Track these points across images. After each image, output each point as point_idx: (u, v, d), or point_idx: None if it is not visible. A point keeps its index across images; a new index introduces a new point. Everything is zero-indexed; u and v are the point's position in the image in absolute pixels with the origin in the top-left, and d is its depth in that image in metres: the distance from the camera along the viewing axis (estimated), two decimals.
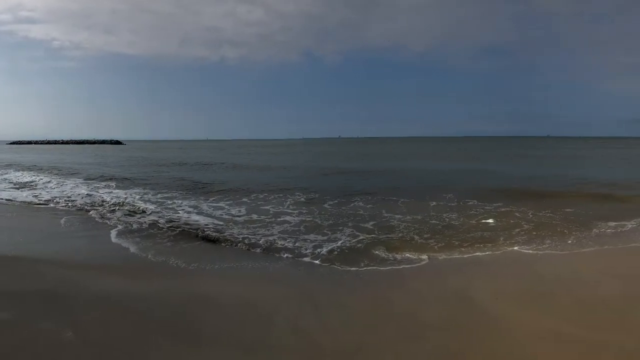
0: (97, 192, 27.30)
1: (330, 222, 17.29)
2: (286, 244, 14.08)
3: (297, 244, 14.06)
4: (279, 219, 17.99)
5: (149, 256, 12.86)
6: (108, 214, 19.31)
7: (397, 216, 18.06)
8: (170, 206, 21.58)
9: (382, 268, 11.58)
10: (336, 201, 22.17)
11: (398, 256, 12.50)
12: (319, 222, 17.34)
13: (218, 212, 19.73)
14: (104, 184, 32.44)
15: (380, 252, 12.89)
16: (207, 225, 16.99)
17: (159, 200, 23.72)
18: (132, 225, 16.94)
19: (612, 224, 15.98)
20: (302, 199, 23.12)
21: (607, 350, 6.97)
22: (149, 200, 23.45)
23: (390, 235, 14.96)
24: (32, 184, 32.79)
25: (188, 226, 16.76)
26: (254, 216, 18.71)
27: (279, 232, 15.76)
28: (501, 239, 14.26)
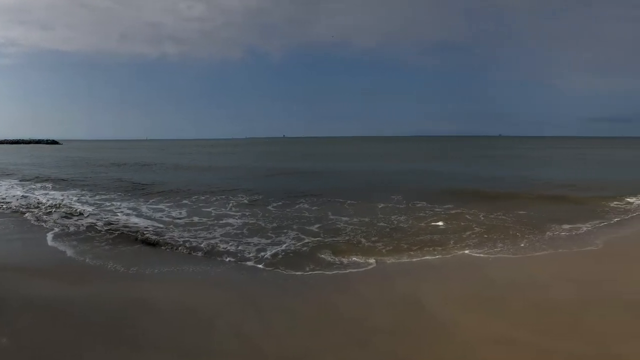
0: (33, 193, 26.83)
1: (275, 224, 17.24)
2: (228, 248, 13.99)
3: (239, 248, 13.97)
4: (221, 222, 17.86)
5: (87, 260, 12.67)
6: (44, 217, 18.98)
7: (343, 218, 18.09)
8: (109, 208, 21.30)
9: (328, 272, 11.55)
10: (280, 203, 22.14)
11: (345, 260, 12.48)
12: (263, 224, 17.27)
13: (158, 215, 19.53)
14: (40, 185, 31.82)
15: (326, 256, 12.87)
16: (146, 228, 16.80)
17: (97, 202, 23.37)
18: (69, 228, 16.67)
19: (567, 226, 16.19)
20: (245, 201, 23.03)
21: (558, 356, 7.06)
22: (86, 202, 23.11)
23: (336, 239, 14.97)
24: None
25: (127, 229, 16.55)
26: (195, 218, 18.56)
27: (221, 235, 15.65)
28: (451, 242, 14.34)
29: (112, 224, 17.45)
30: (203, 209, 20.77)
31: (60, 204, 22.06)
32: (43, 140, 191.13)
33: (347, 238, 15.04)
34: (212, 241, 14.79)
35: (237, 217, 18.72)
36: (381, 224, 17.10)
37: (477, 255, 12.92)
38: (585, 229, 15.93)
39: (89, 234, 15.94)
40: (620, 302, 8.96)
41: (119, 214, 19.83)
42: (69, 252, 13.49)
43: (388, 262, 12.42)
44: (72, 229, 16.62)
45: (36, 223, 17.76)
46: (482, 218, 17.86)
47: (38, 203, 22.63)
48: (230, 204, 21.98)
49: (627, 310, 8.55)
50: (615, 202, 21.42)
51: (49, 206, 21.49)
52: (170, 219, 18.54)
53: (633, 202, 21.46)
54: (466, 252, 13.24)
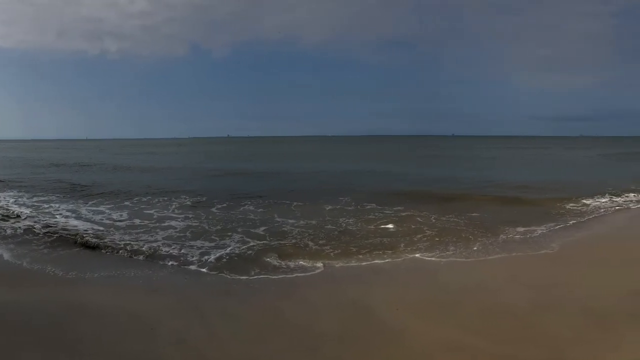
0: None
1: (219, 227, 17.18)
2: (171, 251, 13.90)
3: (182, 251, 13.90)
4: (163, 224, 17.75)
5: (24, 264, 12.49)
6: None
7: (290, 221, 18.11)
8: (47, 210, 20.97)
9: (273, 276, 11.56)
10: (225, 205, 22.06)
11: (291, 264, 12.50)
12: (207, 227, 17.19)
13: (98, 217, 19.28)
14: None
15: (272, 260, 12.87)
16: (86, 230, 16.56)
17: (35, 204, 22.98)
18: (5, 231, 16.37)
19: (521, 229, 16.34)
20: (188, 203, 22.91)
21: None
22: (23, 204, 22.72)
23: (282, 242, 14.98)
24: None
25: (66, 232, 16.27)
26: (137, 221, 18.38)
27: (163, 238, 15.56)
28: (402, 245, 14.40)
29: (51, 226, 17.17)
30: (145, 211, 20.62)
31: None
32: None
33: (293, 241, 15.06)
34: (154, 244, 14.67)
35: (179, 220, 18.63)
36: (329, 226, 17.17)
37: (429, 258, 13.00)
38: (540, 231, 16.07)
39: (27, 237, 15.70)
40: (575, 307, 9.06)
41: (57, 216, 19.55)
42: (6, 256, 13.27)
43: (336, 266, 12.46)
44: (8, 232, 16.34)
45: None
46: (434, 220, 17.98)
47: None
48: (173, 206, 21.86)
49: (581, 315, 8.64)
50: (571, 204, 21.70)
51: None
52: (111, 222, 18.34)
53: (589, 204, 21.76)
54: (417, 255, 13.31)
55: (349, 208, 21.02)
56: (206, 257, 13.29)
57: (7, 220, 18.29)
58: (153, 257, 13.42)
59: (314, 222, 17.86)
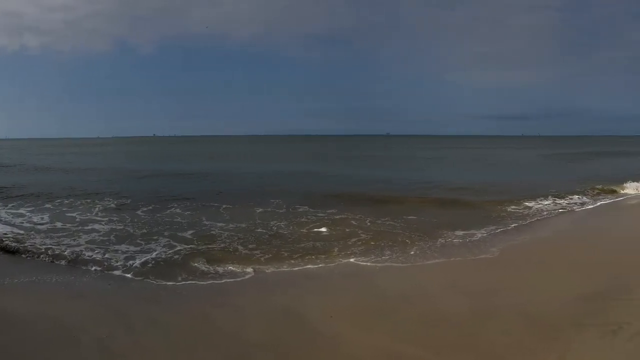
0: None
1: (144, 230, 17.05)
2: (94, 256, 13.70)
3: (106, 256, 13.72)
4: (86, 228, 17.47)
5: None
6: None
7: (219, 224, 18.03)
8: None
9: (202, 282, 11.50)
10: (151, 207, 21.85)
11: (220, 269, 12.44)
12: (132, 230, 17.04)
13: (18, 220, 18.93)
14: None
15: (200, 265, 12.80)
16: (5, 234, 16.20)
17: None
18: None
19: (460, 232, 16.42)
20: (113, 205, 22.62)
21: None
22: None
23: (211, 246, 14.93)
24: None
25: None
26: (59, 224, 18.05)
27: (86, 242, 15.32)
28: (335, 249, 14.39)
29: None
30: (67, 214, 20.26)
31: None
32: None
33: (222, 245, 15.02)
34: (77, 249, 14.45)
35: (103, 223, 18.37)
36: (259, 230, 17.15)
37: (364, 263, 12.98)
38: (479, 235, 16.11)
39: None
40: (517, 314, 9.06)
41: None
42: None
43: (267, 271, 12.45)
44: None
45: None
46: (369, 224, 18.00)
47: None
48: (97, 209, 21.52)
49: (524, 322, 8.65)
50: (512, 207, 21.92)
51: None
52: (31, 225, 17.99)
53: (532, 207, 22.00)
54: (351, 260, 13.30)
55: (281, 211, 21.04)
56: (131, 262, 13.15)
57: None
58: (76, 262, 13.22)
59: (243, 225, 17.80)
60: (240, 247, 14.69)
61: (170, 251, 14.22)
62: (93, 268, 12.66)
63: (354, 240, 15.49)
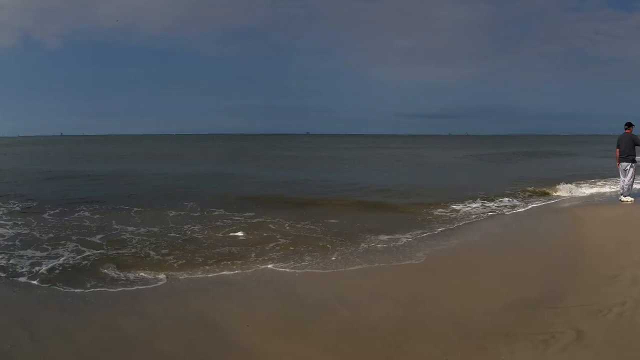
0: None
1: (51, 235, 16.64)
2: None
3: (11, 261, 13.37)
4: None
5: None
6: None
7: (129, 228, 17.79)
8: None
9: (112, 289, 11.30)
10: (58, 210, 21.36)
11: (131, 275, 12.30)
12: (38, 235, 16.63)
13: None
14: None
15: (109, 271, 12.60)
16: None
17: None
18: None
19: (384, 237, 16.36)
20: (17, 208, 22.11)
21: None
22: None
23: (121, 251, 14.71)
24: None
25: None
26: None
27: None
28: (253, 255, 14.31)
29: None
30: None
31: None
32: None
33: (133, 250, 14.82)
34: None
35: (7, 227, 17.87)
36: (173, 234, 17.00)
37: (282, 270, 12.92)
38: (405, 240, 16.04)
39: None
40: (445, 323, 8.99)
41: None
42: None
43: (181, 277, 12.31)
44: None
45: None
46: (288, 228, 17.99)
47: None
48: (0, 212, 20.98)
49: (452, 333, 8.56)
50: (439, 210, 21.98)
51: None
52: None
53: (460, 210, 22.09)
54: (269, 266, 13.25)
55: (195, 214, 20.90)
56: (37, 268, 12.82)
57: None
58: None
59: (156, 229, 17.63)
60: (152, 253, 14.51)
61: (79, 257, 13.95)
62: None
63: (272, 245, 15.46)
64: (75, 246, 15.04)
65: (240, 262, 13.55)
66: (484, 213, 21.72)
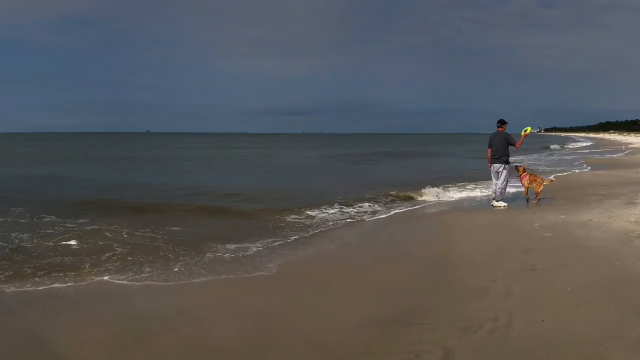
0: None
1: None
2: None
3: None
4: None
5: None
6: None
7: None
8: None
9: None
10: None
11: None
12: None
13: None
14: None
15: None
16: None
17: None
18: None
19: (232, 246, 15.89)
20: None
21: None
22: None
23: None
24: None
25: None
26: None
27: None
28: (87, 265, 13.65)
29: None
30: None
31: None
32: None
33: None
34: None
35: None
36: None
37: (119, 282, 12.50)
38: (254, 249, 15.69)
39: None
40: (298, 340, 8.84)
41: None
42: None
43: (7, 290, 11.64)
44: None
45: None
46: (126, 236, 17.26)
47: None
48: None
49: (306, 350, 8.44)
50: (292, 216, 21.51)
51: None
52: None
53: (315, 216, 21.56)
54: (105, 278, 12.73)
55: (23, 221, 19.67)
56: None
57: None
58: None
59: None
60: None
61: None
62: None
63: (108, 255, 14.78)
64: None
65: (73, 273, 12.88)
66: (342, 219, 21.32)
